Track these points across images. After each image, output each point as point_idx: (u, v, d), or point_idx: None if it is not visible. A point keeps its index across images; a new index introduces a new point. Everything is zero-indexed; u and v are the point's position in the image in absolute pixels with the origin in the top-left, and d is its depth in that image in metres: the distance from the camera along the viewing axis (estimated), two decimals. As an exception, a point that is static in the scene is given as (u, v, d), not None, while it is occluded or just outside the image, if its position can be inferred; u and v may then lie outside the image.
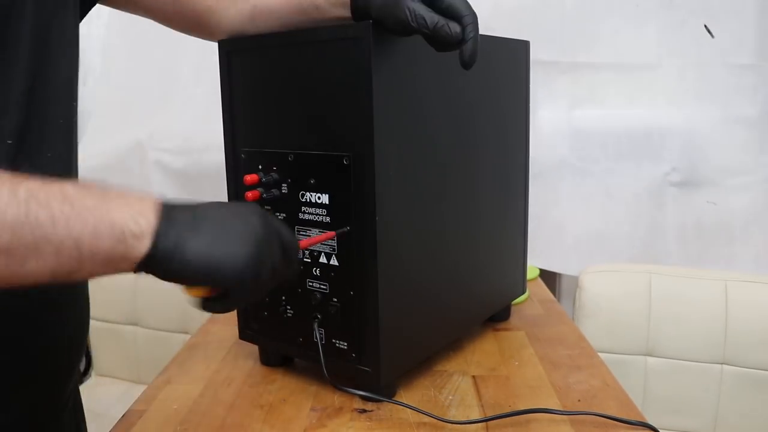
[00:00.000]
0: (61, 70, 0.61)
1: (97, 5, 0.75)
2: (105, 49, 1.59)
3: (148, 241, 0.45)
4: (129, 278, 1.46)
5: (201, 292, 0.50)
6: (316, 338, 0.74)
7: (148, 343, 1.53)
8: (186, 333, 1.45)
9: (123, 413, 0.74)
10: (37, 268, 0.42)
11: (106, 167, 1.51)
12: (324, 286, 0.73)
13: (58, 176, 0.45)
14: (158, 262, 0.45)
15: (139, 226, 0.44)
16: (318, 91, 0.70)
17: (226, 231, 0.49)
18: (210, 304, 0.51)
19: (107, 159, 1.52)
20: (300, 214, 0.73)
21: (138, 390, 0.82)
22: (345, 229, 0.69)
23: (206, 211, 0.49)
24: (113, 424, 0.72)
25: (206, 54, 1.46)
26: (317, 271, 0.73)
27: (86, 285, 0.77)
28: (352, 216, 0.69)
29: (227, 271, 0.48)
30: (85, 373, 1.62)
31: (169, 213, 0.47)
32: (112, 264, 0.44)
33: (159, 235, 0.45)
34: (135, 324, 1.53)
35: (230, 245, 0.48)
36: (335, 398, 0.75)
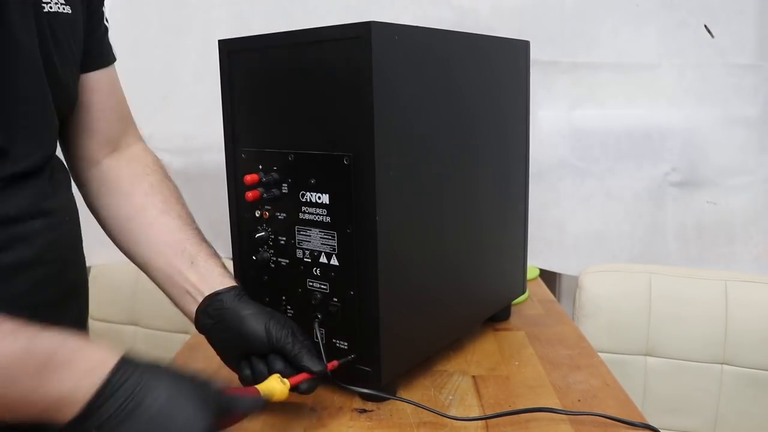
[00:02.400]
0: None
1: None
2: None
3: (64, 418, 0.48)
4: (129, 278, 1.46)
5: None
6: (317, 338, 0.74)
7: (148, 343, 1.53)
8: (186, 333, 1.45)
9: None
10: None
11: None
12: (324, 286, 0.73)
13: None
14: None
15: (64, 413, 0.48)
16: (318, 90, 0.69)
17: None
18: None
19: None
20: (300, 214, 0.73)
21: (138, 390, 0.82)
22: (349, 358, 0.71)
23: (143, 401, 0.50)
24: (113, 424, 0.72)
25: (206, 54, 1.46)
26: (317, 271, 0.73)
27: (86, 284, 0.77)
28: (352, 216, 0.69)
29: None
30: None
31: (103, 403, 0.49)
32: (42, 419, 0.49)
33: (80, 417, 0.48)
34: (135, 324, 1.53)
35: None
36: (335, 398, 0.75)
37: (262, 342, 0.66)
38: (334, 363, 0.68)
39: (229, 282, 0.71)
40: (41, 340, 0.50)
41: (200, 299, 0.69)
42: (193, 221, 0.78)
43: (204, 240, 0.76)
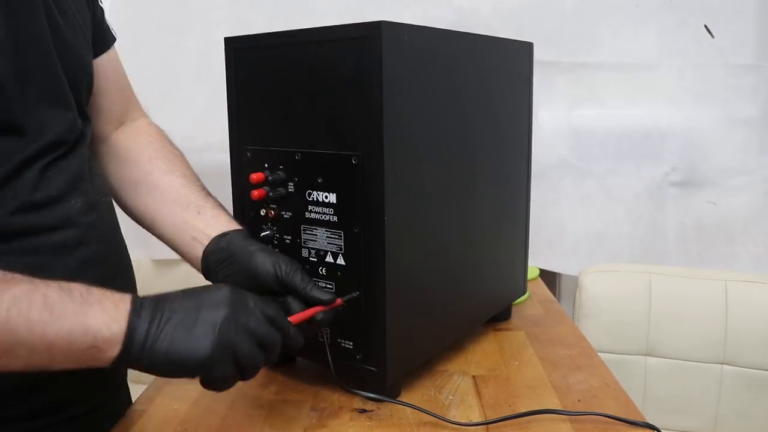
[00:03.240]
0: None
1: None
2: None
3: (119, 346, 0.51)
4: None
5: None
6: (322, 338, 0.74)
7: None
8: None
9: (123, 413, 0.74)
10: (9, 364, 0.48)
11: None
12: (330, 286, 0.73)
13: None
14: (131, 362, 0.52)
15: (111, 332, 0.50)
16: (326, 89, 0.69)
17: (190, 326, 0.53)
18: (203, 386, 0.56)
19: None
20: (307, 213, 0.73)
21: (138, 390, 0.82)
22: (353, 294, 0.69)
23: (173, 306, 0.54)
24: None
25: (206, 54, 1.47)
26: (323, 271, 0.73)
27: (131, 266, 0.79)
28: (359, 215, 0.69)
29: (190, 364, 0.53)
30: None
31: (139, 316, 0.52)
32: (85, 363, 0.51)
33: (128, 340, 0.51)
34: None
35: (192, 340, 0.53)
36: (335, 398, 0.75)
37: (270, 276, 0.66)
38: (339, 300, 0.67)
39: (236, 226, 0.72)
40: (70, 285, 0.51)
41: (206, 242, 0.70)
42: (198, 180, 0.79)
43: (210, 194, 0.77)
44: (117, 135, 0.82)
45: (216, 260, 0.69)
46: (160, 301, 0.54)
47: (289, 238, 0.76)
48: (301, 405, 0.74)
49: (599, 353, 0.90)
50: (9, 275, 0.49)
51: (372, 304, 0.70)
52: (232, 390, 0.78)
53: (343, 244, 0.71)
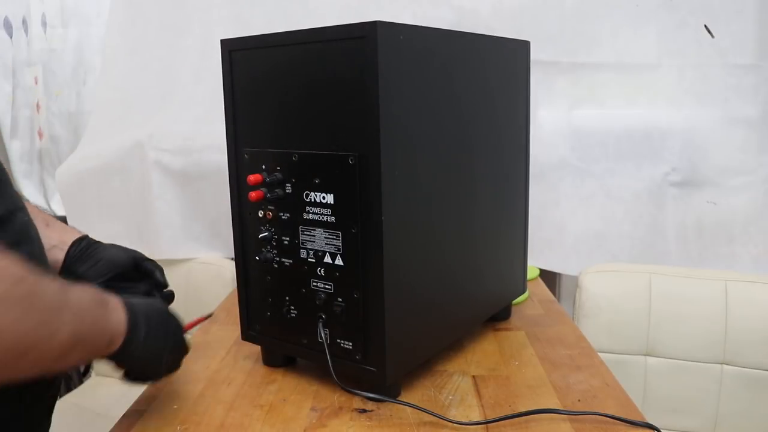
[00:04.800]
0: None
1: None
2: (105, 49, 1.59)
3: (117, 346, 0.61)
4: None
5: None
6: (321, 338, 0.74)
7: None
8: (186, 333, 1.45)
9: (123, 413, 0.74)
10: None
11: (106, 167, 1.51)
12: (329, 286, 0.73)
13: None
14: (119, 357, 0.63)
15: (119, 332, 0.61)
16: (323, 90, 0.69)
17: (156, 339, 0.66)
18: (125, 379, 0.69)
19: (107, 159, 1.51)
20: (304, 213, 0.73)
21: (138, 390, 0.82)
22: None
23: (149, 325, 0.65)
24: (113, 424, 0.72)
25: (206, 54, 1.47)
26: (321, 271, 0.73)
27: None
28: (357, 216, 0.69)
29: (151, 368, 0.68)
30: (86, 373, 1.61)
31: (133, 324, 0.63)
32: (94, 355, 0.61)
33: (126, 343, 0.62)
34: (135, 324, 1.53)
35: (158, 351, 0.67)
36: (335, 398, 0.75)
37: (126, 260, 0.79)
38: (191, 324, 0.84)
39: (81, 233, 0.82)
40: (85, 285, 0.59)
41: (66, 248, 0.79)
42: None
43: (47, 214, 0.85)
44: None
45: (75, 258, 0.78)
46: (139, 314, 0.64)
47: (288, 239, 0.76)
48: (301, 405, 0.74)
49: (599, 353, 0.90)
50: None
51: (371, 305, 0.70)
52: (232, 390, 0.78)
53: (341, 244, 0.71)
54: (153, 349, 0.66)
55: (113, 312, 0.60)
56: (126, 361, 0.64)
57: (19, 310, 0.46)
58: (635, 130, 1.40)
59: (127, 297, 0.65)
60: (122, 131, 1.53)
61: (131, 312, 0.63)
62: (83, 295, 0.57)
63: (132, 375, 0.69)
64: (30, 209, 0.75)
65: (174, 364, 0.73)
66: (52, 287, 0.52)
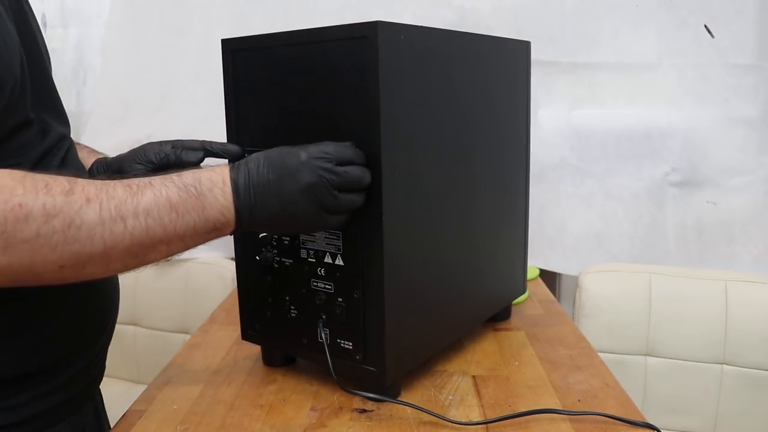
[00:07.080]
0: None
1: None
2: (105, 49, 1.59)
3: (232, 227, 0.64)
4: (129, 278, 1.46)
5: None
6: (321, 338, 0.74)
7: (148, 343, 1.53)
8: (186, 333, 1.45)
9: (123, 413, 0.74)
10: (153, 257, 0.61)
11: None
12: (329, 286, 0.73)
13: None
14: (245, 230, 0.66)
15: (226, 218, 0.63)
16: (323, 90, 0.69)
17: (279, 195, 0.64)
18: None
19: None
20: None
21: (138, 390, 0.82)
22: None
23: (263, 189, 0.64)
24: (113, 424, 0.72)
25: (206, 54, 1.47)
26: (322, 271, 0.73)
27: None
28: (357, 215, 0.69)
29: (290, 226, 0.69)
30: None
31: (239, 197, 0.63)
32: (211, 238, 0.64)
33: (238, 222, 0.63)
34: (135, 324, 1.53)
35: (284, 207, 0.64)
36: (335, 398, 0.75)
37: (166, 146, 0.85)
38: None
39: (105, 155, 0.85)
40: (183, 180, 0.62)
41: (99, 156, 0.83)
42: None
43: None
44: None
45: (105, 164, 0.81)
46: (248, 183, 0.64)
47: (288, 239, 0.76)
48: (301, 405, 0.74)
49: (599, 353, 0.90)
50: (134, 186, 0.58)
51: (371, 304, 0.70)
52: (232, 390, 0.78)
53: (341, 244, 0.71)
54: (279, 208, 0.64)
55: (212, 201, 0.62)
56: (262, 230, 0.72)
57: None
58: (635, 130, 1.40)
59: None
60: (122, 131, 1.53)
61: (238, 190, 0.63)
62: (169, 194, 0.60)
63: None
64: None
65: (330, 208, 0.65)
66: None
